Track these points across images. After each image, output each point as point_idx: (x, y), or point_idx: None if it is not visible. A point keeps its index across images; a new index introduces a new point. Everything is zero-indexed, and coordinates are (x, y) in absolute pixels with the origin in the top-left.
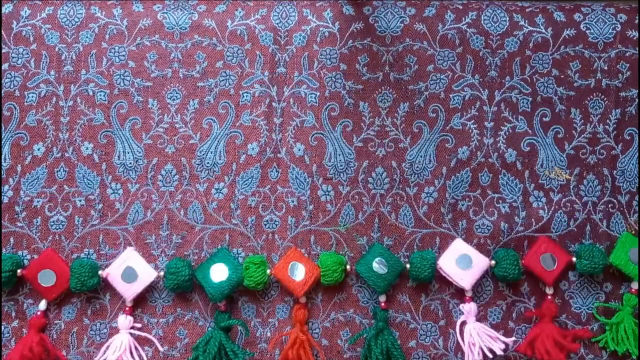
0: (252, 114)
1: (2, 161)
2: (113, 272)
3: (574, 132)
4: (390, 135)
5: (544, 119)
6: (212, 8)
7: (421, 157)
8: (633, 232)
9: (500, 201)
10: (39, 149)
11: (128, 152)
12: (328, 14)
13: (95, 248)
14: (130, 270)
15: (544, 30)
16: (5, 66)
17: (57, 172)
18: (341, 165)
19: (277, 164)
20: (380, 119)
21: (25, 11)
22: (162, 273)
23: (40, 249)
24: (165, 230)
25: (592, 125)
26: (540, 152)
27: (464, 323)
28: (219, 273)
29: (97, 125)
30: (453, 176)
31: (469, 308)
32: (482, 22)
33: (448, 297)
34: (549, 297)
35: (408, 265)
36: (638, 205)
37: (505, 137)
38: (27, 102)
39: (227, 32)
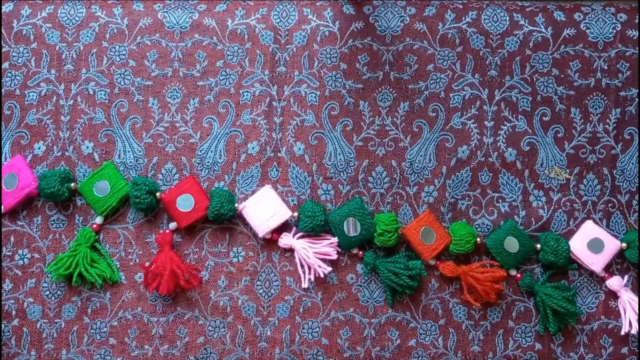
0: (253, 113)
1: (3, 160)
2: (249, 206)
3: (573, 131)
4: (390, 134)
5: (544, 118)
6: (213, 7)
7: (421, 156)
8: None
9: (500, 200)
10: (39, 148)
11: (128, 151)
12: (328, 13)
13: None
14: (267, 206)
15: (544, 30)
16: (5, 65)
17: None
18: (341, 165)
19: (277, 163)
20: (380, 118)
21: (26, 10)
22: (296, 214)
23: (40, 248)
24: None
25: (592, 125)
26: (540, 152)
27: (613, 297)
28: (352, 227)
29: (98, 124)
30: (453, 175)
31: (616, 281)
32: (482, 21)
33: (448, 296)
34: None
35: (538, 246)
36: (638, 205)
37: (505, 136)
38: (27, 101)
39: (227, 31)
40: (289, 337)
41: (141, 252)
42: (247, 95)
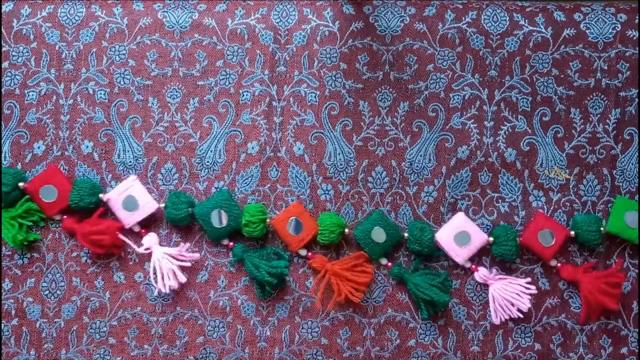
0: (252, 113)
1: (3, 159)
2: (114, 198)
3: (573, 131)
4: (390, 134)
5: (544, 118)
6: (213, 7)
7: (421, 156)
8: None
9: (500, 200)
10: (39, 148)
11: (128, 151)
12: (328, 13)
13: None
14: (132, 198)
15: (544, 30)
16: (5, 64)
17: None
18: (341, 164)
19: (277, 162)
20: (380, 118)
21: (26, 9)
22: (162, 205)
23: (40, 248)
24: (165, 229)
25: (591, 125)
26: (539, 152)
27: (486, 287)
28: (218, 218)
29: (97, 124)
30: (453, 175)
31: (481, 274)
32: (482, 21)
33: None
34: (559, 264)
35: (406, 234)
36: (638, 205)
37: (505, 136)
38: (27, 100)
39: (227, 31)
40: (288, 337)
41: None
42: (246, 95)
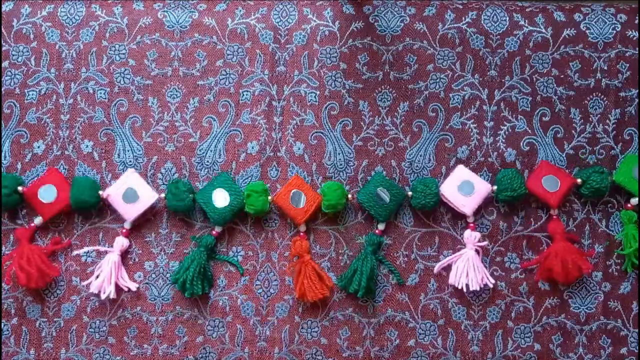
0: (252, 113)
1: (3, 159)
2: (114, 193)
3: (573, 131)
4: (390, 134)
5: (544, 118)
6: (213, 7)
7: (421, 156)
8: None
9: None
10: (39, 147)
11: (128, 150)
12: (328, 13)
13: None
14: (131, 191)
15: (543, 30)
16: (5, 64)
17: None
18: (341, 164)
19: (277, 162)
20: (380, 118)
21: (26, 9)
22: (163, 195)
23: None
24: (165, 229)
25: (591, 125)
26: (539, 152)
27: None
28: (220, 199)
29: (97, 123)
30: None
31: (470, 235)
32: (482, 21)
33: (447, 296)
34: (554, 217)
35: (410, 193)
36: (638, 205)
37: (504, 136)
38: (27, 99)
39: (227, 30)
40: (288, 337)
41: (140, 252)
42: (246, 94)
